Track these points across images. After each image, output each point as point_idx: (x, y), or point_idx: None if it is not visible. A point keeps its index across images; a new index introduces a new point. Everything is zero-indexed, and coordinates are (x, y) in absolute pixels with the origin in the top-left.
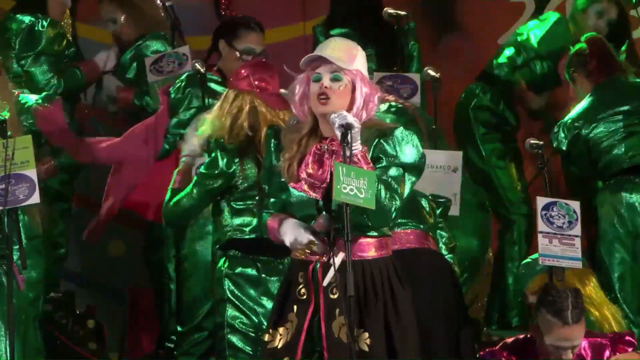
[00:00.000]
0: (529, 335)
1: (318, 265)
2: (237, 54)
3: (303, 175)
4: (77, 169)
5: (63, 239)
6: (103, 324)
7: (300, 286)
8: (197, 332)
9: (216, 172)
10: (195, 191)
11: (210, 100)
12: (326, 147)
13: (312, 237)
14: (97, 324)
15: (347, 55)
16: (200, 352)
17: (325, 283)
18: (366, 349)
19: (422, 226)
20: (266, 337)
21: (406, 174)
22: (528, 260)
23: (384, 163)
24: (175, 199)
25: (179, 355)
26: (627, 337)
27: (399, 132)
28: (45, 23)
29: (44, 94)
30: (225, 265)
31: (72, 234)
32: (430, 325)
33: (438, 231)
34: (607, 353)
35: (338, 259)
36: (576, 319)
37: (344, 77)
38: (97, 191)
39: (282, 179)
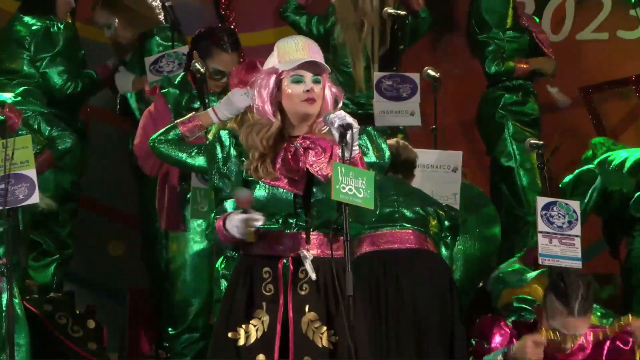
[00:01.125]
0: (531, 321)
1: (288, 261)
2: (209, 76)
3: (280, 172)
4: (79, 165)
5: (70, 240)
6: (103, 324)
7: (266, 282)
8: (188, 332)
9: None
10: (196, 151)
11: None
12: (298, 144)
13: (244, 216)
14: (97, 324)
15: (320, 56)
16: (193, 353)
17: (314, 277)
18: (331, 347)
19: (422, 229)
20: (230, 335)
21: (374, 171)
22: (500, 271)
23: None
24: (172, 137)
25: (173, 357)
26: (628, 328)
27: (371, 129)
28: (61, 25)
29: (21, 89)
30: (222, 266)
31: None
32: (425, 325)
33: (441, 243)
34: (607, 340)
35: (308, 255)
36: (583, 312)
37: (321, 80)
38: (100, 193)
39: (250, 178)
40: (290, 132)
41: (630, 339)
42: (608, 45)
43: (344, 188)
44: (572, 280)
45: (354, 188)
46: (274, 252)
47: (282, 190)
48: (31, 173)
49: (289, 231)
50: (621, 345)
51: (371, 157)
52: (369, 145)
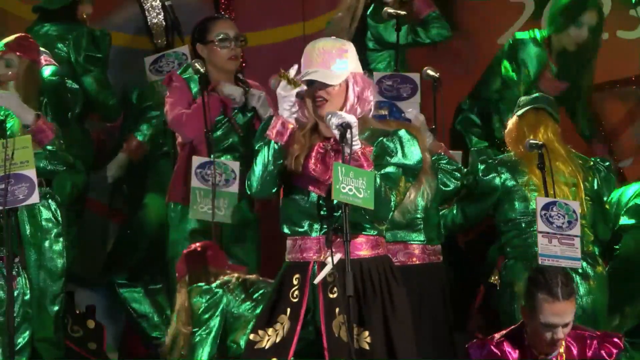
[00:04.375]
0: (516, 325)
1: (316, 266)
2: (216, 47)
3: (307, 171)
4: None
5: (76, 241)
6: (103, 324)
7: (294, 288)
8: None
9: None
10: None
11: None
12: (329, 146)
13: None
14: (97, 324)
15: (339, 58)
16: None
17: (316, 281)
18: (367, 347)
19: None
20: (252, 337)
21: (404, 175)
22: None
23: (385, 160)
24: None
25: None
26: (615, 339)
27: (403, 132)
28: (105, 31)
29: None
30: None
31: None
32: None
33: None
34: (593, 345)
35: (335, 258)
36: (567, 295)
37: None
38: (100, 193)
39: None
40: (325, 132)
41: (615, 351)
42: (608, 45)
43: (344, 188)
44: (549, 273)
45: (354, 188)
46: (303, 258)
47: (311, 193)
48: (31, 173)
49: (315, 235)
50: (605, 356)
51: (399, 159)
52: (398, 148)
